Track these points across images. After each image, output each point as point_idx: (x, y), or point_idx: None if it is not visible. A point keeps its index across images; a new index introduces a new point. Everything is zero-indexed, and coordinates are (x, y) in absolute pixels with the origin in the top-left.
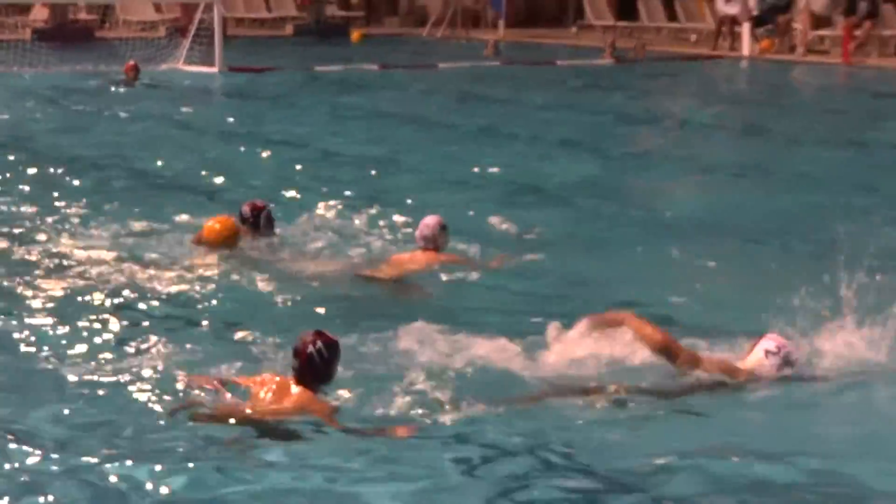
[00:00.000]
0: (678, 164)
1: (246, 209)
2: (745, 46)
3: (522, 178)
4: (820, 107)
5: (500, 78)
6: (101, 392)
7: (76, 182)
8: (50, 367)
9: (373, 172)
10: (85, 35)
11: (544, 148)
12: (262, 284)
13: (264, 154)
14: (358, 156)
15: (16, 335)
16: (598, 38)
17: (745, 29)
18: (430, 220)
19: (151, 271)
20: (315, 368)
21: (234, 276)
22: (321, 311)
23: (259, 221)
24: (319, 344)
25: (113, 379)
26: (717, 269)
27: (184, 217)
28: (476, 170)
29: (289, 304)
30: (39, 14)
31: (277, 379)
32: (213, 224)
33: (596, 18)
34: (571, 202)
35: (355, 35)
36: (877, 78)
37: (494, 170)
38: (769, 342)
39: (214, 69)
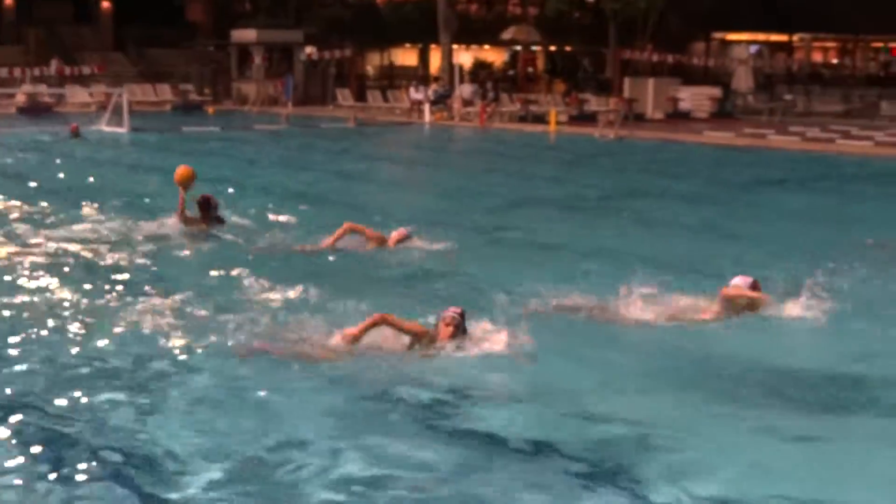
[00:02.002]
0: (401, 185)
1: (199, 198)
2: (427, 117)
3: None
4: (466, 148)
5: (291, 136)
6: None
7: (38, 194)
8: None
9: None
10: (48, 110)
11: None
12: (214, 259)
13: (155, 177)
14: (205, 174)
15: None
16: (346, 112)
17: (427, 107)
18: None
19: (109, 253)
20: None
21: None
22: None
23: (209, 206)
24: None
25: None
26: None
27: (111, 216)
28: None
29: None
30: (20, 98)
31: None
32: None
33: (344, 101)
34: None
35: (210, 110)
36: (498, 134)
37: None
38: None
39: (124, 130)
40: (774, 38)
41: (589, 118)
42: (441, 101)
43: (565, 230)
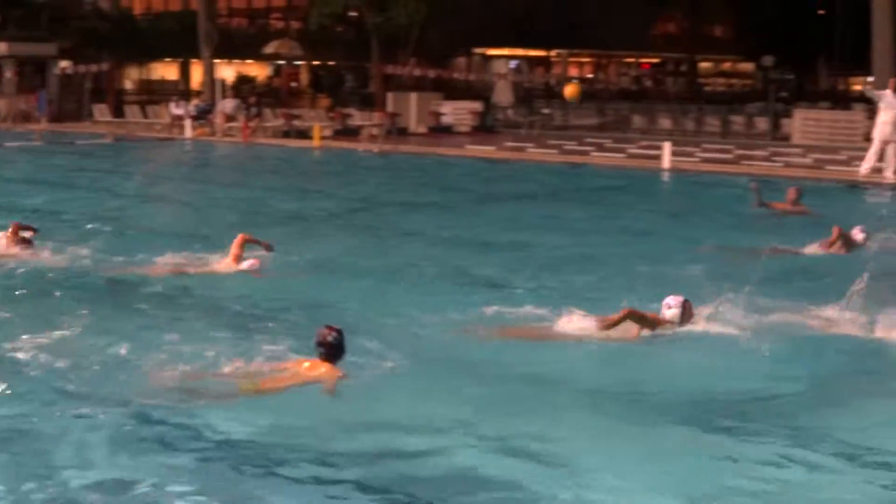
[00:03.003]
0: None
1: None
2: (188, 132)
3: None
4: (229, 164)
5: (45, 152)
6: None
7: None
8: None
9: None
10: None
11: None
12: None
13: None
14: None
15: None
16: (103, 128)
17: (188, 123)
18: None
19: None
20: (334, 348)
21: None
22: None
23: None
24: (334, 333)
25: None
26: None
27: None
28: None
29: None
30: None
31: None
32: None
33: (101, 116)
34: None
35: None
36: (262, 149)
37: None
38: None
39: None
40: (533, 53)
41: (353, 133)
42: (203, 116)
43: (332, 245)
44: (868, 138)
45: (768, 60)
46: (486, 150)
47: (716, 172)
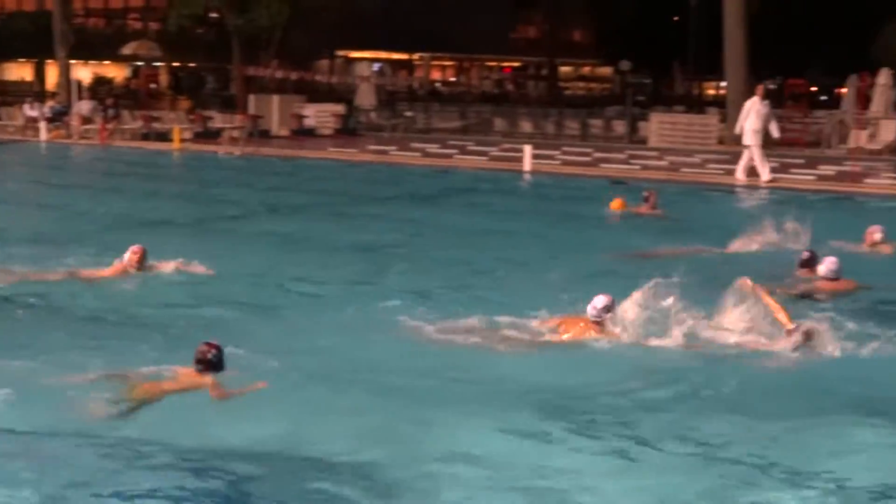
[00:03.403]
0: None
1: None
2: (43, 135)
3: None
4: (86, 167)
5: None
6: None
7: None
8: None
9: None
10: None
11: None
12: None
13: None
14: None
15: None
16: None
17: (43, 125)
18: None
19: None
20: (214, 365)
21: None
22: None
23: None
24: (214, 350)
25: None
26: None
27: None
28: None
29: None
30: None
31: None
32: None
33: None
34: None
35: None
36: (120, 152)
37: None
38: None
39: None
40: (396, 56)
41: (214, 135)
42: (58, 118)
43: (193, 248)
44: (722, 142)
45: (626, 65)
46: (349, 152)
47: (575, 175)
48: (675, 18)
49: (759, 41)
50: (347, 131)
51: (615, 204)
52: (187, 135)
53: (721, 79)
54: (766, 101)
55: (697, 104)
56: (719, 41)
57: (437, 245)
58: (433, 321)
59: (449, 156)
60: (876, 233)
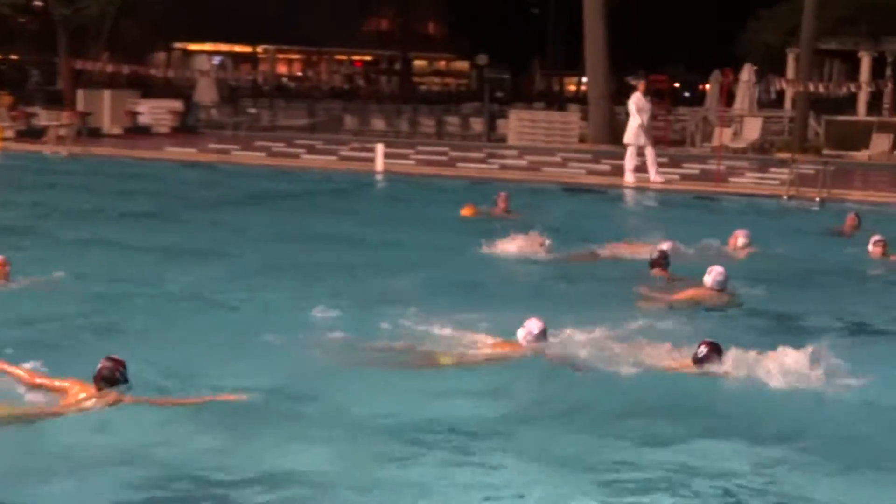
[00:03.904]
0: None
1: None
2: None
3: None
4: None
5: None
6: None
7: None
8: None
9: None
10: None
11: None
12: None
13: None
14: None
15: None
16: None
17: None
18: None
19: None
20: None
21: None
22: None
23: None
24: (119, 367)
25: None
26: None
27: None
28: None
29: None
30: None
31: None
32: None
33: None
34: None
35: None
36: None
37: None
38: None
39: None
40: (238, 48)
41: (38, 134)
42: None
43: (15, 258)
44: (584, 140)
45: (483, 59)
46: (188, 152)
47: (431, 175)
48: (535, 11)
49: (621, 35)
50: (186, 129)
51: (466, 210)
52: (9, 133)
53: (582, 74)
54: (649, 98)
55: (558, 101)
56: (580, 35)
57: (282, 252)
58: (277, 332)
59: (296, 155)
60: (740, 237)
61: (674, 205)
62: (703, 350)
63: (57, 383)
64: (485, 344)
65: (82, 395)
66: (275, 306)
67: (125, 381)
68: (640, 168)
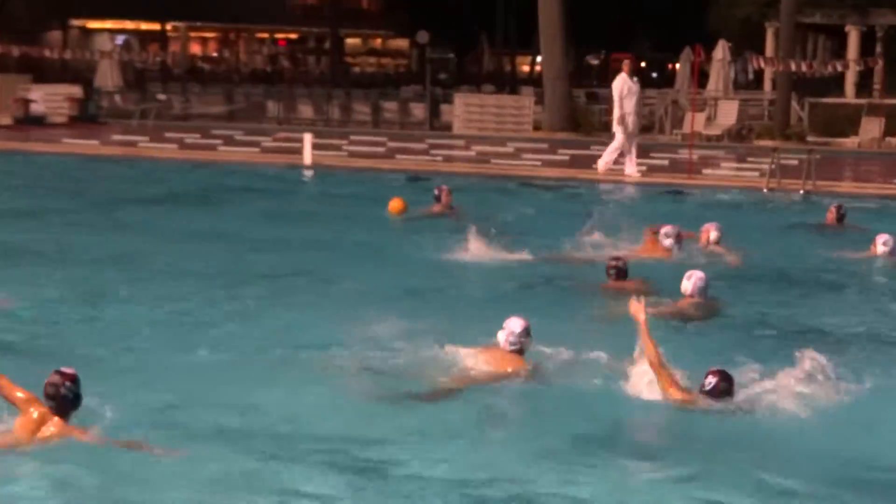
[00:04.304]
0: None
1: None
2: None
3: None
4: None
5: None
6: None
7: None
8: None
9: None
10: None
11: None
12: None
13: None
14: None
15: None
16: None
17: None
18: None
19: None
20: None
21: None
22: None
23: None
24: (67, 383)
25: None
26: None
27: None
28: None
29: None
30: None
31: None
32: None
33: None
34: None
35: None
36: None
37: None
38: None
39: None
40: (145, 26)
41: None
42: None
43: None
44: (539, 127)
45: (423, 37)
46: (89, 145)
47: (366, 169)
48: None
49: (580, 8)
50: (86, 119)
51: (394, 205)
52: None
53: (536, 53)
54: (636, 79)
55: (510, 83)
56: (533, 8)
57: (193, 257)
58: (197, 347)
59: (212, 147)
60: (712, 230)
61: (639, 200)
62: (711, 381)
63: (18, 394)
64: (468, 354)
65: (35, 415)
66: (181, 320)
67: (74, 397)
68: (617, 160)
